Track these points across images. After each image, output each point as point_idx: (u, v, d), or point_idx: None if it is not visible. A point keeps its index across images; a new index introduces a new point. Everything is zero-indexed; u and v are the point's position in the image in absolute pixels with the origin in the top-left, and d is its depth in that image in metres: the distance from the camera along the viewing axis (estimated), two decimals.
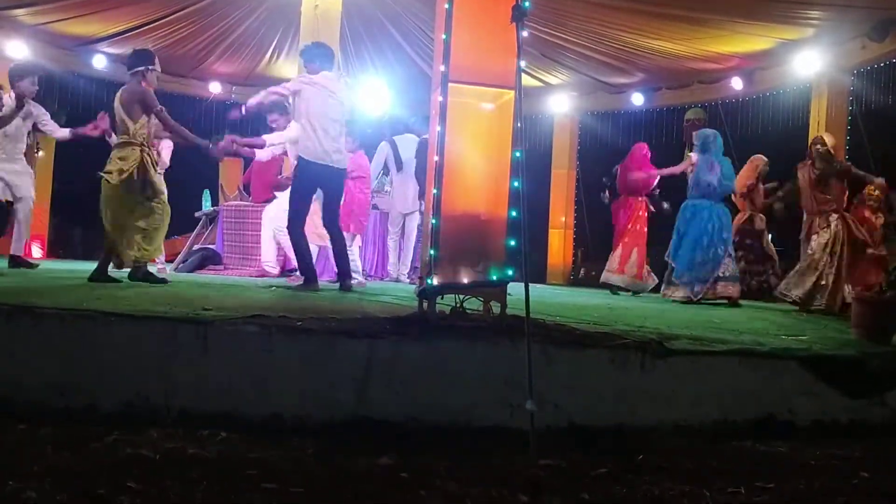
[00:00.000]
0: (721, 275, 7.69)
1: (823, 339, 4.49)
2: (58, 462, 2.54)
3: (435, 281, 3.63)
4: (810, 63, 10.17)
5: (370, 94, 11.74)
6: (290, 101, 6.56)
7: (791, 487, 2.74)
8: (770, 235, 9.75)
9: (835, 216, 7.13)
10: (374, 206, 9.31)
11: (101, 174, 5.66)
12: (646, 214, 9.03)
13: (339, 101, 6.24)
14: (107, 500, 2.18)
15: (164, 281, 5.86)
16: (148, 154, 5.78)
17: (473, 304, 3.90)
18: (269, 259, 8.12)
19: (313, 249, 7.41)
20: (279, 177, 8.45)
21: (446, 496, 2.40)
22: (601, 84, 12.98)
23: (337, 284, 6.54)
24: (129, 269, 5.76)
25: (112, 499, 2.19)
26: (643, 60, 11.55)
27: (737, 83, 11.39)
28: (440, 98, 3.74)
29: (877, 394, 3.85)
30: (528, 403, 2.66)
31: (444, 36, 3.73)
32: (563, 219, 13.96)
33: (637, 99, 12.76)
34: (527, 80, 12.05)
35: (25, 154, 7.44)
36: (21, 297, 3.71)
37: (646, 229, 9.03)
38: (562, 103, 13.60)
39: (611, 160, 9.93)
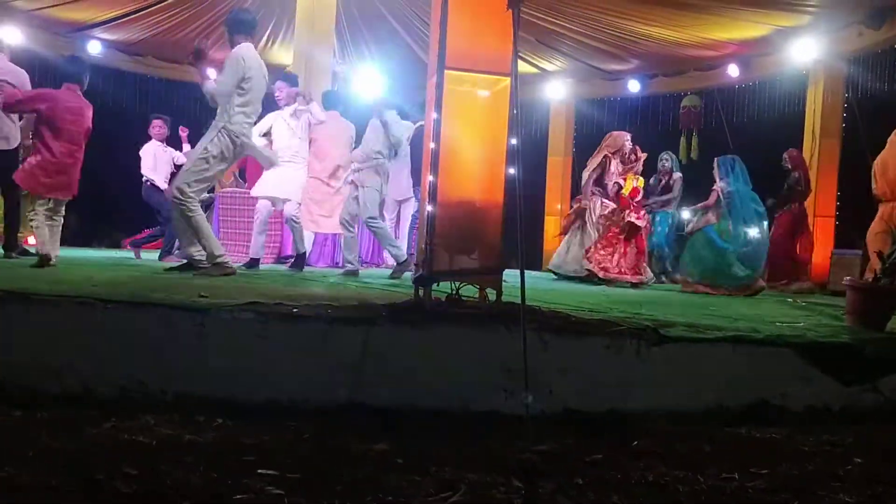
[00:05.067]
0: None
1: (817, 326, 4.50)
2: (53, 447, 2.54)
3: (431, 268, 3.63)
4: (807, 50, 10.16)
5: (366, 79, 11.65)
6: None
7: (784, 473, 2.76)
8: None
9: None
10: None
11: None
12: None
13: None
14: (103, 486, 2.18)
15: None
16: None
17: (469, 291, 3.91)
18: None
19: (308, 236, 7.41)
20: None
21: (441, 481, 2.41)
22: (597, 71, 12.96)
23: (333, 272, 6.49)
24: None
25: (108, 484, 2.19)
26: (639, 47, 11.54)
27: (733, 70, 11.38)
28: (436, 85, 3.73)
29: (870, 380, 3.87)
30: (525, 398, 2.67)
31: (440, 22, 3.71)
32: (559, 206, 13.95)
33: (633, 86, 12.75)
34: (523, 67, 12.02)
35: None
36: (16, 283, 3.70)
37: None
38: (558, 90, 13.57)
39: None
